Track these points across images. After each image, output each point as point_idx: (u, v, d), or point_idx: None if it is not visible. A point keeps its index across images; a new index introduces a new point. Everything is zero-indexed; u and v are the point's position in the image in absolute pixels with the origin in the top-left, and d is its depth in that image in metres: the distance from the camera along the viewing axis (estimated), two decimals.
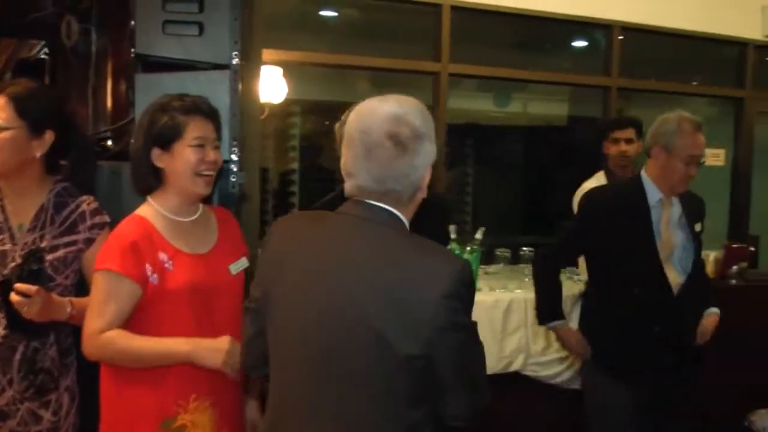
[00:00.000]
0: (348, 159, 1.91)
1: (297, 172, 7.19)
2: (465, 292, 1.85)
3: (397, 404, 1.85)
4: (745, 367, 4.96)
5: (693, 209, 3.53)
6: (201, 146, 2.45)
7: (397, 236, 1.91)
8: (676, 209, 3.47)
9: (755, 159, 6.84)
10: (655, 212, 3.42)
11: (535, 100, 8.40)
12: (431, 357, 1.81)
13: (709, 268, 5.85)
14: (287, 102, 6.48)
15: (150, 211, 2.48)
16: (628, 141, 4.91)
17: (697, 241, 3.51)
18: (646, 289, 3.37)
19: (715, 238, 6.60)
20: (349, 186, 1.92)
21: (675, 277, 3.42)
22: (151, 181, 2.49)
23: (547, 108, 8.55)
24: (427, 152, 1.91)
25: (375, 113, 1.89)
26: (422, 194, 1.96)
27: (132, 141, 2.54)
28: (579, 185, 5.12)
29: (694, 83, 7.14)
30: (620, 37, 6.11)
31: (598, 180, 5.00)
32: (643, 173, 3.48)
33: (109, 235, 2.49)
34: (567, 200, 5.21)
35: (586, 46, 6.85)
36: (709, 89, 7.03)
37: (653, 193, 3.43)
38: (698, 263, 3.54)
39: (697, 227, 3.53)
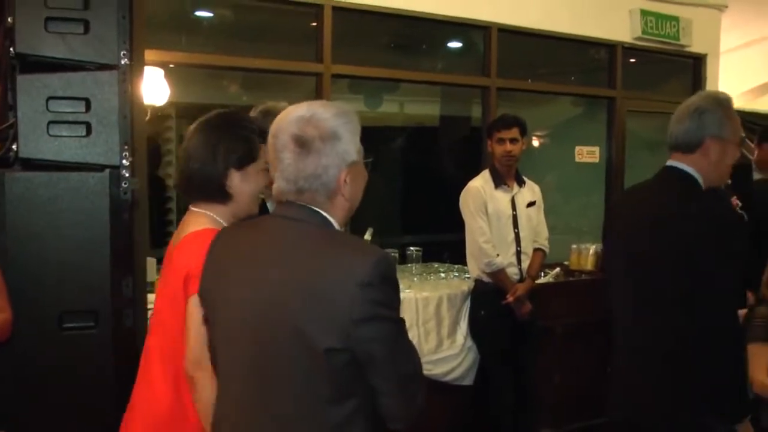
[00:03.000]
0: (270, 163, 1.99)
1: (174, 177, 6.97)
2: (383, 282, 1.83)
3: (320, 402, 1.85)
4: None
5: None
6: (267, 170, 2.38)
7: (316, 232, 1.94)
8: None
9: (627, 156, 7.06)
10: None
11: (407, 101, 8.45)
12: (353, 351, 1.82)
13: (590, 261, 6.04)
14: (163, 105, 6.30)
15: (214, 224, 2.43)
16: (513, 140, 4.98)
17: None
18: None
19: (593, 233, 6.83)
20: (273, 189, 1.98)
21: None
22: (218, 197, 2.45)
23: (420, 108, 8.62)
24: (339, 152, 1.92)
25: (285, 117, 1.95)
26: (344, 194, 1.96)
27: (196, 150, 2.47)
28: (458, 184, 5.19)
29: (569, 84, 7.34)
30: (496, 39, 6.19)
31: (483, 179, 5.06)
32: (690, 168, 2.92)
33: None
34: (448, 199, 5.27)
35: (461, 47, 6.92)
36: (583, 89, 7.27)
37: None
38: None
39: None
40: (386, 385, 1.89)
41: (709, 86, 7.55)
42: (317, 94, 5.35)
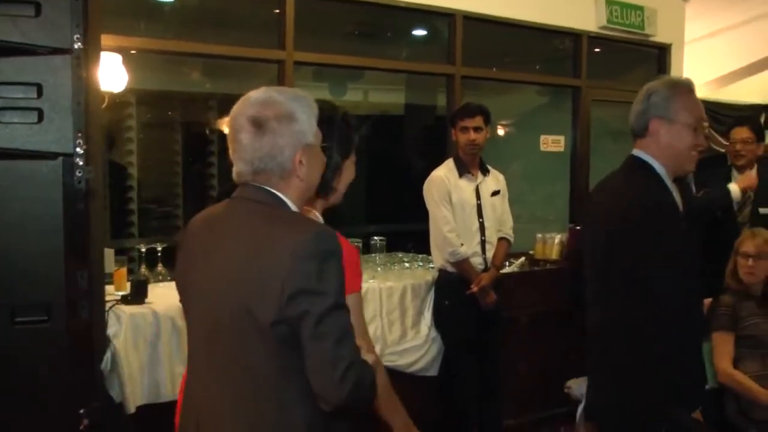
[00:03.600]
0: (229, 147, 2.05)
1: (135, 165, 6.85)
2: (318, 256, 1.87)
3: (271, 377, 1.92)
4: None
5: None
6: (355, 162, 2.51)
7: (266, 210, 2.00)
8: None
9: (592, 145, 7.05)
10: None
11: (372, 90, 8.40)
12: (290, 324, 1.86)
13: (555, 250, 6.03)
14: (123, 92, 6.17)
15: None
16: (477, 129, 4.93)
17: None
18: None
19: (558, 222, 6.83)
20: (233, 172, 2.06)
21: None
22: (322, 192, 2.39)
23: (385, 97, 8.57)
24: (294, 133, 1.99)
25: (245, 101, 2.03)
26: (299, 174, 2.02)
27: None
28: (422, 173, 5.14)
29: (534, 72, 7.31)
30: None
31: (447, 168, 5.02)
32: (646, 155, 2.85)
33: None
34: (413, 188, 5.22)
35: (426, 34, 6.87)
36: (548, 78, 7.23)
37: (667, 180, 2.86)
38: None
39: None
40: (311, 362, 1.87)
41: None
42: (280, 82, 5.26)
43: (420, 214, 5.09)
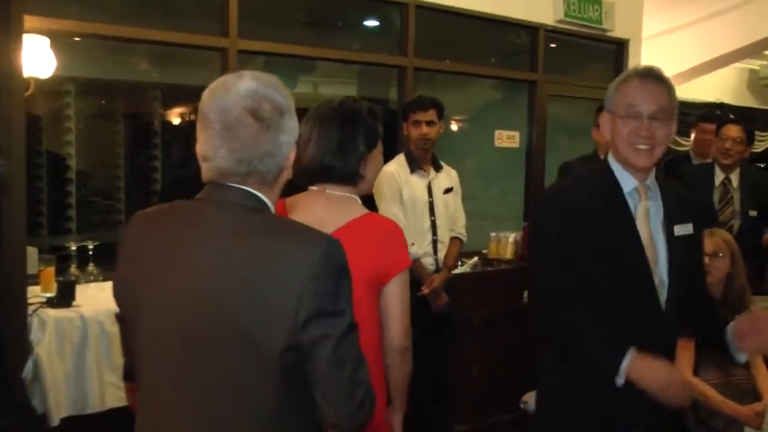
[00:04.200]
0: (203, 141, 1.78)
1: (73, 157, 6.55)
2: (337, 272, 1.70)
3: (267, 404, 1.71)
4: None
5: (677, 206, 2.67)
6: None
7: (258, 220, 1.77)
8: (655, 203, 2.62)
9: (548, 141, 6.91)
10: (632, 204, 2.59)
11: (323, 82, 8.18)
12: (302, 350, 1.67)
13: (509, 250, 5.86)
14: (60, 80, 5.87)
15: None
16: (430, 123, 4.74)
17: (677, 249, 2.60)
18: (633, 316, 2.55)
19: (513, 219, 6.68)
20: (206, 170, 1.79)
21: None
22: (353, 181, 2.54)
23: (336, 90, 8.35)
24: (291, 129, 1.82)
25: (232, 89, 1.76)
26: (287, 174, 1.86)
27: (336, 139, 2.51)
28: None
29: (490, 66, 7.13)
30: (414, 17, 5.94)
31: (398, 163, 4.82)
32: (610, 158, 2.65)
33: None
34: None
35: (378, 25, 6.67)
36: (503, 72, 7.05)
37: (626, 180, 2.60)
38: (685, 281, 2.62)
39: (680, 229, 2.61)
40: (328, 390, 1.71)
41: None
42: (223, 71, 5.01)
43: (371, 210, 4.85)
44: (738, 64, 10.37)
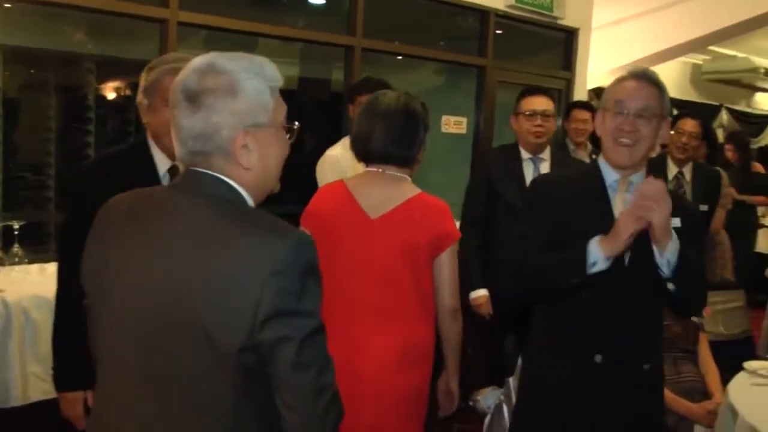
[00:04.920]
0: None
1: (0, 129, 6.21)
2: (303, 269, 1.59)
3: (221, 407, 1.60)
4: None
5: None
6: None
7: (227, 212, 1.66)
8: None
9: (496, 127, 6.80)
10: (612, 196, 2.68)
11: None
12: (261, 351, 1.57)
13: None
14: None
15: None
16: None
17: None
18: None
19: (460, 206, 6.53)
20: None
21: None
22: (411, 164, 2.96)
23: (278, 69, 8.14)
24: (234, 110, 1.66)
25: (185, 69, 1.70)
26: (242, 161, 1.68)
27: (403, 128, 2.90)
28: (317, 152, 4.75)
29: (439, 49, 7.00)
30: None
31: (344, 147, 4.61)
32: (600, 156, 2.75)
33: None
34: (306, 168, 4.83)
35: (325, 3, 6.48)
36: (453, 56, 6.90)
37: (609, 173, 2.69)
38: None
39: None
40: (289, 395, 1.61)
41: (580, 61, 7.44)
42: (162, 45, 4.77)
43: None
44: (682, 59, 10.41)
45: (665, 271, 2.46)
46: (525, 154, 4.39)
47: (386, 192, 2.84)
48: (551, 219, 2.61)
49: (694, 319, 4.02)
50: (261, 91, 1.71)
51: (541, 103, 4.36)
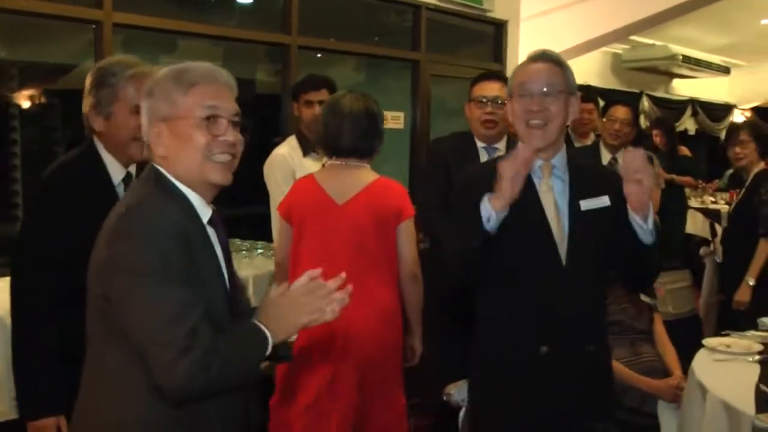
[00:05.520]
0: None
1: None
2: (123, 233, 1.85)
3: (104, 346, 1.93)
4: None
5: (590, 182, 2.70)
6: None
7: (134, 185, 2.10)
8: (560, 181, 2.68)
9: (432, 122, 6.81)
10: (538, 183, 2.67)
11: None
12: (109, 301, 1.86)
13: None
14: None
15: None
16: (322, 103, 4.48)
17: (583, 222, 2.63)
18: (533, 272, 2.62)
19: None
20: None
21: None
22: (370, 156, 3.49)
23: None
24: (149, 108, 2.00)
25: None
26: (155, 150, 2.00)
27: (369, 124, 3.41)
28: (249, 152, 4.67)
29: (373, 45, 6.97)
30: None
31: (290, 146, 4.55)
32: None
33: None
34: (240, 169, 4.74)
35: (252, 2, 6.38)
36: (387, 50, 6.90)
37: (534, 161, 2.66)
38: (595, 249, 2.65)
39: (589, 204, 2.65)
40: (141, 345, 1.83)
41: (510, 53, 7.52)
42: (97, 48, 4.62)
43: (256, 196, 4.70)
44: (604, 48, 10.59)
45: (648, 238, 2.50)
46: (479, 143, 4.16)
47: (350, 180, 3.36)
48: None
49: (648, 300, 4.08)
50: (170, 90, 1.97)
51: (492, 89, 4.09)
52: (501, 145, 4.18)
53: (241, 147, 2.06)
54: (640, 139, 6.59)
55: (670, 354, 3.95)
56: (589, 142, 5.96)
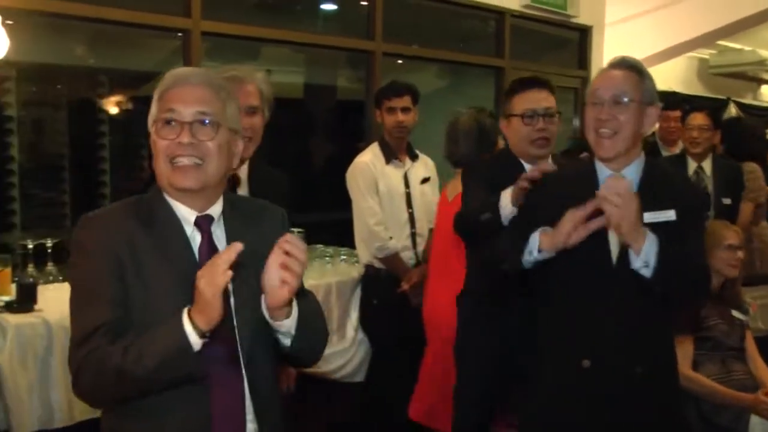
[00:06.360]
0: None
1: (15, 147, 6.11)
2: (73, 241, 1.93)
3: None
4: None
5: (657, 194, 2.57)
6: None
7: None
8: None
9: None
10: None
11: (268, 70, 7.88)
12: None
13: None
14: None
15: None
16: (405, 110, 4.51)
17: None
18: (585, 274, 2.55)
19: None
20: None
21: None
22: None
23: (283, 77, 8.07)
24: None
25: None
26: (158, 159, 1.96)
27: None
28: (330, 159, 4.71)
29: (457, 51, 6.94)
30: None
31: (373, 153, 4.57)
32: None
33: None
34: (320, 175, 4.77)
35: (337, 9, 6.43)
36: (470, 57, 6.85)
37: (602, 170, 2.60)
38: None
39: (653, 216, 2.52)
40: None
41: (595, 59, 7.40)
42: (185, 56, 4.70)
43: (339, 202, 4.70)
44: (689, 54, 10.39)
45: (645, 273, 2.38)
46: (525, 163, 3.36)
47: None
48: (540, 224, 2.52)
49: (740, 316, 3.96)
50: (156, 99, 1.97)
51: (540, 99, 3.33)
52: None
53: (214, 146, 1.93)
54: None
55: (762, 371, 3.84)
56: (677, 150, 5.83)
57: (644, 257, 2.35)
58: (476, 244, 3.28)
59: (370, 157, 4.55)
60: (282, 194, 3.16)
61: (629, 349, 2.53)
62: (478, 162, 3.68)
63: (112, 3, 4.54)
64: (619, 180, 2.38)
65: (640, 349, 2.55)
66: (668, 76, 10.17)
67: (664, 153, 6.02)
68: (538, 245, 2.43)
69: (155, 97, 1.95)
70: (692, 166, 5.17)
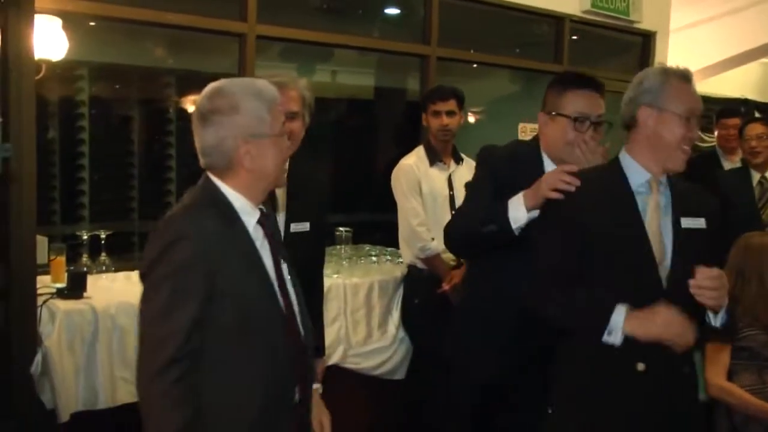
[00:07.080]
0: None
1: (86, 143, 6.38)
2: (159, 245, 2.01)
3: None
4: None
5: (689, 200, 2.66)
6: None
7: (188, 195, 2.17)
8: (665, 197, 2.61)
9: None
10: (640, 199, 2.58)
11: (340, 71, 8.01)
12: None
13: None
14: (73, 64, 5.71)
15: None
16: (450, 113, 4.59)
17: (684, 239, 2.58)
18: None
19: None
20: None
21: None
22: None
23: (354, 79, 8.18)
24: (234, 124, 2.06)
25: (203, 93, 2.13)
26: (245, 165, 2.10)
27: None
28: (392, 160, 4.80)
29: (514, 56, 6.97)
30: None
31: (417, 156, 4.67)
32: (623, 154, 2.65)
33: None
34: (383, 177, 4.87)
35: (399, 13, 6.52)
36: (528, 63, 6.85)
37: (637, 174, 2.59)
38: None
39: (689, 222, 2.60)
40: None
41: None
42: (241, 58, 4.85)
43: (389, 203, 4.76)
44: (763, 59, 10.17)
45: (715, 323, 2.54)
46: (548, 161, 3.13)
47: None
48: (573, 229, 2.56)
49: None
50: (258, 108, 2.09)
51: (593, 104, 3.01)
52: None
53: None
54: None
55: None
56: (737, 158, 5.77)
57: (721, 316, 2.52)
58: (476, 257, 3.38)
59: (414, 159, 4.65)
60: (320, 193, 3.28)
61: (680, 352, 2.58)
62: (497, 149, 3.33)
63: (173, 8, 4.75)
64: (712, 272, 2.41)
65: (687, 350, 2.60)
66: (741, 83, 10.00)
67: (725, 164, 5.93)
68: (621, 332, 2.46)
69: (265, 106, 2.13)
70: (756, 177, 5.12)
